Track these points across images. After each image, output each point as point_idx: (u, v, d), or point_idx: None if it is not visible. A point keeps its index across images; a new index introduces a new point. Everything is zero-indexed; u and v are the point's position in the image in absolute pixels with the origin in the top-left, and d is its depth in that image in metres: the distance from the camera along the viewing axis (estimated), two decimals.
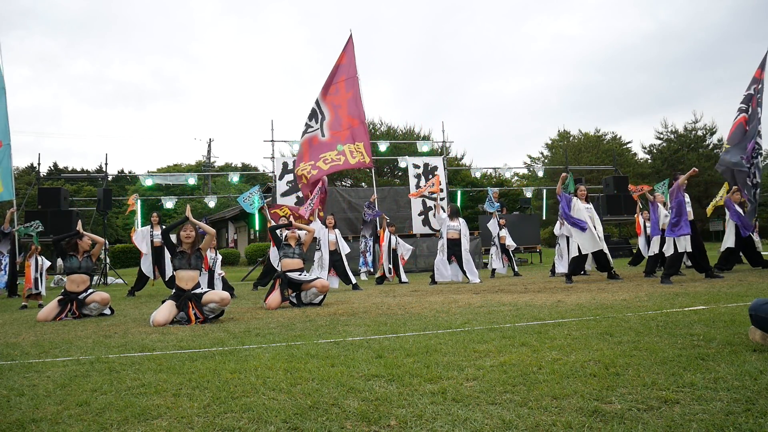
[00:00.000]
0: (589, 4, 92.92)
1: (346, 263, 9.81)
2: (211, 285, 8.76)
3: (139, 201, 13.28)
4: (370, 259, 10.85)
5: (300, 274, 6.72)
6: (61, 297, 6.22)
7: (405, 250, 10.74)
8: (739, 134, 9.44)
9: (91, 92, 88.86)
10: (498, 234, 11.67)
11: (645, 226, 12.07)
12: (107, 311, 6.38)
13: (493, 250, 11.68)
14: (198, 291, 5.52)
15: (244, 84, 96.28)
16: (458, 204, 17.01)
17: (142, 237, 9.96)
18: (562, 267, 10.37)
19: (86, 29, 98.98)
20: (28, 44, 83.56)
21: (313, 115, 10.27)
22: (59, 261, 19.47)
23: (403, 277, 10.50)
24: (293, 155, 15.63)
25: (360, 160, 10.00)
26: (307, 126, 10.34)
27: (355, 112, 10.28)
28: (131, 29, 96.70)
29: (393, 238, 10.63)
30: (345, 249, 9.90)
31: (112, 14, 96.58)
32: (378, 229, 10.96)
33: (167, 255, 9.85)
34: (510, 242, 11.93)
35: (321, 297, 6.70)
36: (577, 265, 8.90)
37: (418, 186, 15.38)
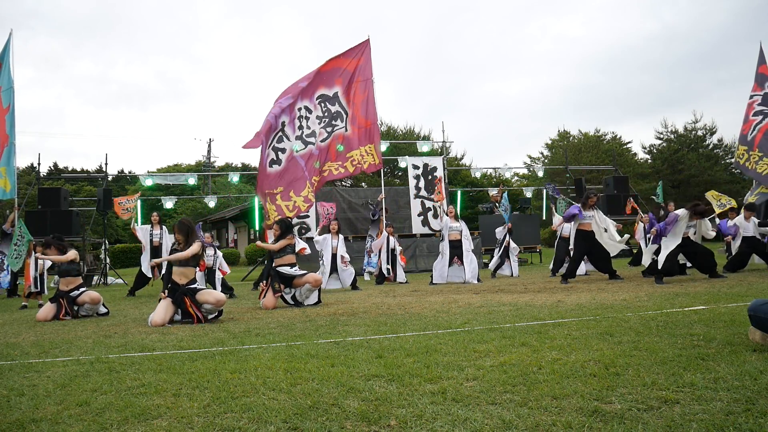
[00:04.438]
0: (591, 6, 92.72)
1: (350, 269, 9.85)
2: (211, 282, 8.76)
3: (139, 202, 13.26)
4: (375, 259, 10.82)
5: (292, 269, 6.69)
6: (52, 296, 6.34)
7: (399, 249, 10.79)
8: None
9: (94, 93, 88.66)
10: (504, 238, 11.59)
11: (645, 232, 12.00)
12: (102, 309, 6.39)
13: (496, 252, 11.63)
14: (193, 287, 5.51)
15: (246, 85, 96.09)
16: (458, 204, 16.99)
17: (143, 234, 10.01)
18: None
19: (90, 30, 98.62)
20: (32, 45, 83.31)
21: (337, 116, 10.22)
22: None
23: (400, 277, 10.49)
24: None
25: (371, 163, 10.10)
26: (333, 126, 10.19)
27: (369, 114, 10.37)
28: (135, 30, 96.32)
29: (391, 238, 10.65)
30: (345, 257, 9.93)
31: (117, 15, 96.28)
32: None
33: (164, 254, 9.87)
34: (512, 245, 11.85)
35: (316, 293, 6.69)
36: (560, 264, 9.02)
37: (417, 186, 15.36)
